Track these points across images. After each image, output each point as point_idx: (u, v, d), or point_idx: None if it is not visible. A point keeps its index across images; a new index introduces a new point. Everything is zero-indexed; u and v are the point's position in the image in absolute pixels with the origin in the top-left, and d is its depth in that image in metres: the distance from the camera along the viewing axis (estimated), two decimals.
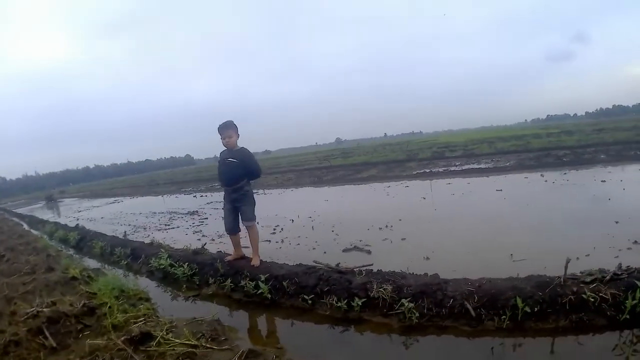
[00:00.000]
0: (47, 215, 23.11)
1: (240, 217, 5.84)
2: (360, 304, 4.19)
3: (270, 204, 14.81)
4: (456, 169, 17.52)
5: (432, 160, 23.16)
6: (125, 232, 10.59)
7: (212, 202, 17.35)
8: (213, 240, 9.05)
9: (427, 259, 5.64)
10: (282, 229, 9.28)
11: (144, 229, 12.83)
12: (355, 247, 6.77)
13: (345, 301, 4.27)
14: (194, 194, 23.15)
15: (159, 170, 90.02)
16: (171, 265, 6.64)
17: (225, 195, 5.91)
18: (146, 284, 6.49)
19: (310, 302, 4.57)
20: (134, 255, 8.47)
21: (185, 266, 6.40)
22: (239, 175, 5.60)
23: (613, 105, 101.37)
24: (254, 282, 5.13)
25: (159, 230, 12.21)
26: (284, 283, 4.89)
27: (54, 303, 5.96)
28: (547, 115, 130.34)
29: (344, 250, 6.67)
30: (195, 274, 6.26)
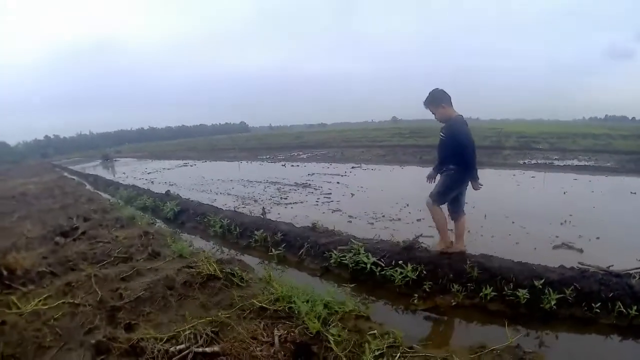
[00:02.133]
0: (110, 174, 21.55)
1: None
2: None
3: (397, 182, 13.42)
4: (561, 163, 16.48)
5: (522, 150, 21.98)
6: (263, 208, 7.98)
7: (314, 174, 15.38)
8: (371, 224, 7.63)
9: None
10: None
11: (255, 201, 10.53)
12: (563, 244, 6.10)
13: (635, 308, 3.79)
14: (282, 163, 20.86)
15: (213, 135, 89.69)
16: (375, 264, 5.05)
17: None
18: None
19: (597, 311, 3.93)
20: (288, 242, 6.25)
21: (408, 267, 4.78)
22: (446, 155, 4.79)
23: None
24: (526, 289, 4.21)
25: (277, 204, 9.95)
26: (567, 290, 4.08)
27: (215, 334, 3.36)
28: (606, 115, 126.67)
29: (554, 248, 5.99)
30: (421, 277, 4.73)
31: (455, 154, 4.65)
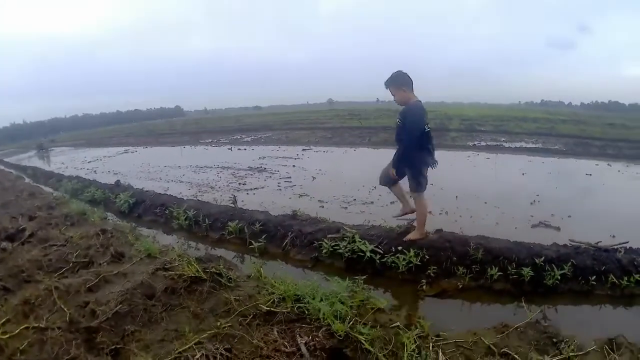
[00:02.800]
0: (48, 165, 19.41)
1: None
2: None
3: (354, 164, 13.14)
4: (510, 145, 16.59)
5: (469, 133, 21.96)
6: (234, 197, 7.18)
7: (265, 157, 14.68)
8: (345, 208, 7.36)
9: (613, 237, 5.06)
10: None
11: (212, 188, 9.80)
12: (540, 222, 6.13)
13: (625, 278, 4.03)
14: (228, 147, 19.90)
15: (150, 120, 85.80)
16: (374, 252, 4.65)
17: None
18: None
19: (593, 283, 4.08)
20: (268, 232, 5.65)
21: (411, 252, 4.46)
22: (400, 139, 4.67)
23: (609, 101, 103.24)
24: (528, 267, 4.18)
25: (237, 191, 9.19)
26: (565, 266, 4.14)
27: (228, 350, 2.81)
28: (542, 100, 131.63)
29: (532, 227, 6.00)
30: (424, 262, 4.46)
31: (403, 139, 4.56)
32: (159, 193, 8.37)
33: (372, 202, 7.52)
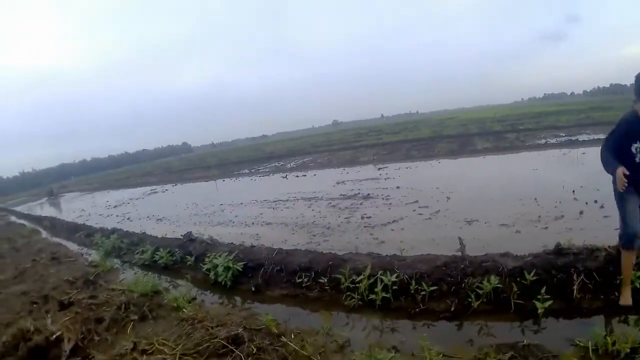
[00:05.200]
0: (65, 213, 16.14)
1: None
2: None
3: (470, 177, 10.39)
4: (580, 139, 15.51)
5: (519, 132, 20.62)
6: (461, 240, 3.73)
7: (345, 182, 11.98)
8: (545, 228, 5.33)
9: None
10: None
11: (329, 229, 6.79)
12: None
13: None
14: (282, 175, 17.09)
15: (160, 159, 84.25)
16: None
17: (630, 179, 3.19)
18: None
19: None
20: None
21: None
22: None
23: (611, 84, 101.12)
24: None
25: (372, 227, 6.49)
26: None
27: None
28: (544, 94, 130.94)
29: None
30: None
31: None
32: (283, 249, 4.92)
33: (562, 216, 5.79)
